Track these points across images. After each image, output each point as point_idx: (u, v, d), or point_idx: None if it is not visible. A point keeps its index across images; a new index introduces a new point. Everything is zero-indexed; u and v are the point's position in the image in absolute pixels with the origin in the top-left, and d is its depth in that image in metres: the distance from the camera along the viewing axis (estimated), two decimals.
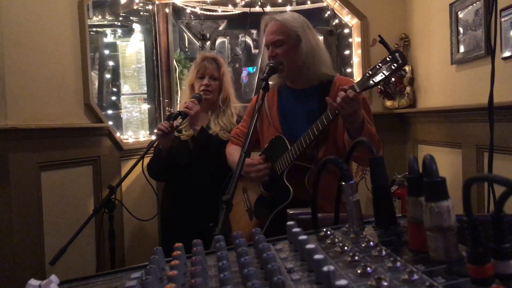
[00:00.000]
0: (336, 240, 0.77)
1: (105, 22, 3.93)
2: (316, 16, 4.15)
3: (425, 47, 3.42)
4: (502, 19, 2.32)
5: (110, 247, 2.49)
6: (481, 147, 2.60)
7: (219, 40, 4.56)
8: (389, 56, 1.71)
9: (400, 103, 3.63)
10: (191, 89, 2.76)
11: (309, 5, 4.13)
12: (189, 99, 2.63)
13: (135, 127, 3.94)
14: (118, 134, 3.31)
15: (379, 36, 1.71)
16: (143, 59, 3.98)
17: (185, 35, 4.42)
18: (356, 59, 3.88)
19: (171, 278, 0.64)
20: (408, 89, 3.60)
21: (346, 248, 0.71)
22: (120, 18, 3.99)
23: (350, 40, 4.01)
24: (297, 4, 4.16)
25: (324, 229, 0.83)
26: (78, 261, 2.76)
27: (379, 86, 3.46)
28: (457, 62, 2.90)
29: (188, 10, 4.18)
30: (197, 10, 4.10)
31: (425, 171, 0.64)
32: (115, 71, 3.96)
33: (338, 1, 3.78)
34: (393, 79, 3.50)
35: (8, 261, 2.30)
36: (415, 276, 0.57)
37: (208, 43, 4.30)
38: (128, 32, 4.01)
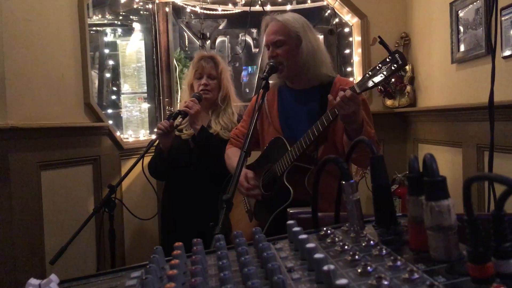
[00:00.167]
0: (337, 239, 0.77)
1: (105, 21, 3.92)
2: (316, 15, 4.15)
3: (426, 46, 3.42)
4: (503, 18, 2.32)
5: (110, 246, 2.49)
6: (481, 146, 2.60)
7: (219, 39, 4.56)
8: (389, 57, 1.71)
9: (400, 102, 3.63)
10: (190, 89, 2.75)
11: (309, 4, 4.13)
12: (189, 98, 2.63)
13: (135, 126, 3.94)
14: (118, 133, 3.31)
15: (379, 37, 1.71)
16: (143, 58, 3.98)
17: (185, 34, 4.41)
18: (356, 58, 3.88)
19: (171, 277, 0.64)
20: (408, 88, 3.60)
21: (346, 247, 0.71)
22: (120, 17, 3.98)
23: (351, 39, 4.01)
24: (298, 3, 4.15)
25: (325, 228, 0.83)
26: (78, 260, 2.76)
27: (379, 86, 3.47)
28: (458, 61, 2.90)
29: (188, 9, 4.17)
30: (197, 9, 4.10)
31: (425, 170, 0.64)
32: (115, 70, 3.95)
33: (338, 0, 3.78)
34: (393, 78, 3.50)
35: (8, 260, 2.30)
36: (416, 275, 0.57)
37: (208, 42, 4.30)
38: (128, 31, 4.01)
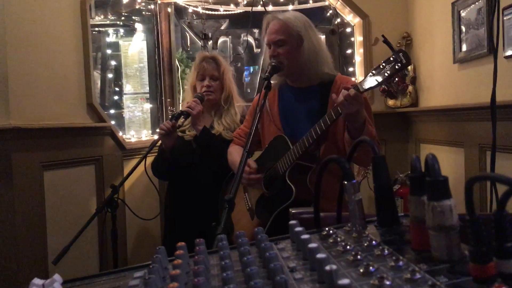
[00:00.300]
0: (339, 239, 0.77)
1: (107, 22, 3.93)
2: (318, 15, 4.14)
3: (427, 46, 3.41)
4: (505, 18, 2.32)
5: (113, 246, 2.49)
6: (483, 146, 2.60)
7: (221, 40, 4.56)
8: (393, 56, 1.71)
9: (402, 102, 3.62)
10: (193, 91, 2.76)
11: (311, 4, 4.12)
12: (192, 99, 2.63)
13: (137, 126, 3.95)
14: (120, 134, 3.31)
15: (383, 36, 1.71)
16: (145, 59, 3.98)
17: (187, 35, 4.42)
18: (358, 58, 3.88)
19: (174, 277, 0.64)
20: (410, 88, 3.59)
21: (348, 247, 0.72)
22: (122, 18, 3.99)
23: (352, 39, 4.01)
24: (299, 3, 4.15)
25: (327, 228, 0.83)
26: (81, 260, 2.77)
27: (382, 85, 3.46)
28: (460, 61, 2.90)
29: (190, 9, 4.17)
30: (199, 10, 4.10)
31: (427, 170, 0.64)
32: (118, 71, 3.96)
33: (340, 0, 3.78)
34: (396, 78, 3.49)
35: (11, 260, 2.30)
36: (418, 275, 0.57)
37: (210, 42, 4.30)
38: (130, 31, 4.02)
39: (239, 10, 4.19)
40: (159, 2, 3.89)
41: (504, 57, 2.33)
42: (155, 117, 3.97)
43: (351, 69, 4.02)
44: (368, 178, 3.28)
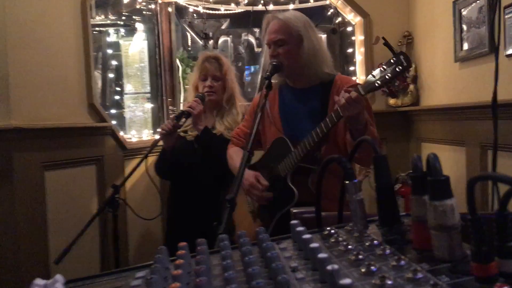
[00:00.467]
0: (340, 239, 0.77)
1: (108, 22, 3.93)
2: (318, 14, 4.14)
3: (429, 44, 3.41)
4: (506, 16, 2.31)
5: (114, 246, 2.49)
6: (485, 145, 2.60)
7: (221, 39, 4.56)
8: (393, 59, 1.71)
9: (403, 101, 3.62)
10: (195, 91, 2.75)
11: (312, 3, 4.12)
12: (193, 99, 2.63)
13: (138, 126, 3.95)
14: (121, 134, 3.31)
15: (383, 38, 1.71)
16: (146, 58, 3.98)
17: (188, 34, 4.42)
18: (359, 57, 3.88)
19: (176, 277, 0.64)
20: (411, 87, 3.59)
21: (350, 247, 0.72)
22: (123, 18, 3.99)
23: (353, 38, 4.00)
24: (300, 2, 4.15)
25: (328, 228, 0.83)
26: (82, 260, 2.77)
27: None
28: (461, 59, 2.89)
29: (191, 9, 4.17)
30: (200, 9, 4.10)
31: (429, 169, 0.64)
32: (118, 71, 3.96)
33: None
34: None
35: (12, 260, 2.31)
36: (419, 275, 0.57)
37: (211, 42, 4.30)
38: (131, 31, 4.02)
39: (240, 9, 4.19)
40: (159, 1, 3.89)
41: (505, 55, 2.32)
42: (156, 117, 3.97)
43: (352, 68, 4.01)
44: (370, 178, 3.28)
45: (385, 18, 3.72)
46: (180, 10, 4.22)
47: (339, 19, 4.08)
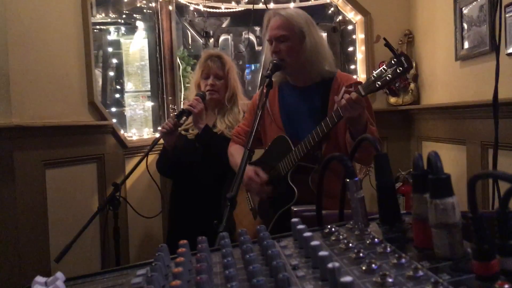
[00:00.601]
0: (341, 237, 0.77)
1: (109, 20, 3.93)
2: (319, 13, 4.14)
3: (429, 43, 3.41)
4: (507, 15, 2.31)
5: (115, 244, 2.49)
6: (485, 143, 2.60)
7: (222, 37, 4.56)
8: (394, 60, 1.70)
9: (404, 100, 3.62)
10: (197, 89, 2.75)
11: (312, 2, 4.12)
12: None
13: (139, 124, 3.95)
14: (122, 132, 3.31)
15: (384, 38, 1.70)
16: (147, 57, 3.98)
17: (189, 32, 4.42)
18: (359, 56, 3.87)
19: (176, 275, 0.64)
20: (412, 85, 3.59)
21: (350, 245, 0.72)
22: (124, 16, 3.99)
23: (354, 36, 4.00)
24: (301, 0, 4.15)
25: (329, 226, 0.83)
26: (83, 258, 2.77)
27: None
28: (462, 58, 2.89)
29: (192, 7, 4.17)
30: (201, 7, 4.09)
31: (430, 168, 0.64)
32: (119, 69, 3.96)
33: None
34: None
35: (13, 258, 2.31)
36: (420, 273, 0.57)
37: (212, 40, 4.30)
38: (131, 29, 4.01)
39: (240, 7, 4.19)
40: (160, 0, 3.89)
41: (506, 54, 2.32)
42: (156, 115, 3.97)
43: (352, 66, 4.01)
44: (370, 176, 3.28)
45: (386, 17, 3.72)
46: (181, 9, 4.22)
47: (340, 17, 4.08)
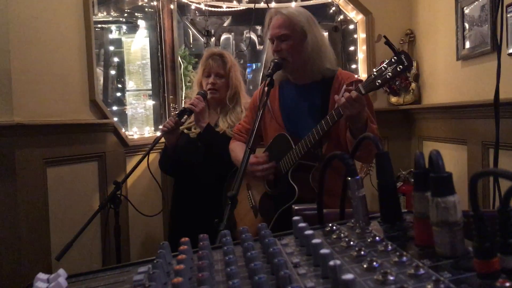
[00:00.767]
0: (342, 235, 0.77)
1: (110, 19, 3.93)
2: (321, 12, 4.14)
3: (431, 43, 3.40)
4: (508, 15, 2.31)
5: (116, 242, 2.50)
6: (486, 143, 2.60)
7: (224, 36, 4.56)
8: (394, 58, 1.70)
9: (405, 99, 3.62)
10: (199, 87, 2.75)
11: (314, 1, 4.12)
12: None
13: (140, 123, 3.95)
14: (123, 130, 3.31)
15: (385, 37, 1.71)
16: (148, 55, 3.98)
17: (190, 31, 4.42)
18: (361, 55, 3.87)
19: (178, 272, 0.65)
20: (413, 85, 3.59)
21: (352, 243, 0.72)
22: (125, 14, 3.99)
23: (355, 36, 4.00)
24: (302, 0, 4.15)
25: (330, 224, 0.83)
26: (84, 256, 2.78)
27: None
28: (463, 58, 2.89)
29: (193, 6, 4.17)
30: (202, 6, 4.09)
31: (431, 166, 0.64)
32: (120, 67, 3.96)
33: None
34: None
35: (14, 256, 2.31)
36: (421, 271, 0.58)
37: (213, 39, 4.30)
38: (133, 28, 4.02)
39: (242, 7, 4.19)
40: None
41: (507, 54, 2.32)
42: (157, 114, 3.97)
43: (353, 66, 4.01)
44: (371, 175, 3.28)
45: (387, 16, 3.72)
46: (182, 8, 4.22)
47: (341, 16, 4.08)
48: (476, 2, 2.69)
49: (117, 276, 0.78)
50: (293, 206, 1.66)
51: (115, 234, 2.48)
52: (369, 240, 0.72)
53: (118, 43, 3.98)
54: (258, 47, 4.62)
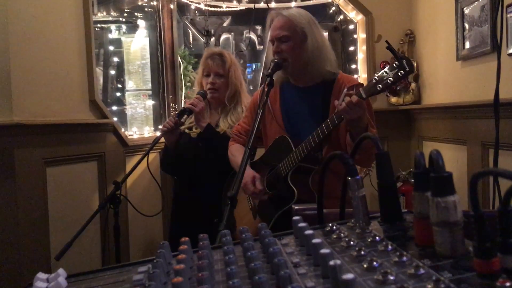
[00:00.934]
0: (342, 235, 0.77)
1: (110, 18, 3.93)
2: (321, 12, 4.14)
3: (431, 43, 3.40)
4: (508, 15, 2.31)
5: (115, 242, 2.49)
6: (486, 143, 2.60)
7: (223, 36, 4.56)
8: (396, 63, 1.71)
9: (405, 100, 3.62)
10: (200, 87, 2.74)
11: (314, 1, 4.12)
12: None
13: (139, 123, 3.95)
14: (123, 130, 3.31)
15: (386, 41, 1.71)
16: (148, 55, 3.98)
17: (190, 31, 4.42)
18: (361, 55, 3.87)
19: (178, 272, 0.64)
20: (413, 85, 3.59)
21: (352, 243, 0.72)
22: (125, 14, 3.99)
23: (355, 36, 4.00)
24: (302, 0, 4.15)
25: (330, 224, 0.83)
26: (83, 256, 2.78)
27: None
28: (463, 58, 2.89)
29: (193, 6, 4.17)
30: (202, 6, 4.09)
31: (431, 166, 0.64)
32: (120, 67, 3.96)
33: None
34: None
35: (14, 256, 2.31)
36: (422, 271, 0.58)
37: (213, 39, 4.30)
38: (132, 28, 4.02)
39: (242, 6, 4.19)
40: None
41: (507, 54, 2.32)
42: (157, 114, 3.97)
43: (353, 66, 4.01)
44: (371, 175, 3.28)
45: (387, 16, 3.72)
46: (182, 7, 4.22)
47: (341, 17, 4.08)
48: (476, 2, 2.69)
49: (116, 276, 0.78)
50: (293, 206, 1.66)
51: (114, 234, 2.48)
52: (369, 240, 0.72)
53: (117, 43, 3.98)
54: (258, 47, 4.62)
